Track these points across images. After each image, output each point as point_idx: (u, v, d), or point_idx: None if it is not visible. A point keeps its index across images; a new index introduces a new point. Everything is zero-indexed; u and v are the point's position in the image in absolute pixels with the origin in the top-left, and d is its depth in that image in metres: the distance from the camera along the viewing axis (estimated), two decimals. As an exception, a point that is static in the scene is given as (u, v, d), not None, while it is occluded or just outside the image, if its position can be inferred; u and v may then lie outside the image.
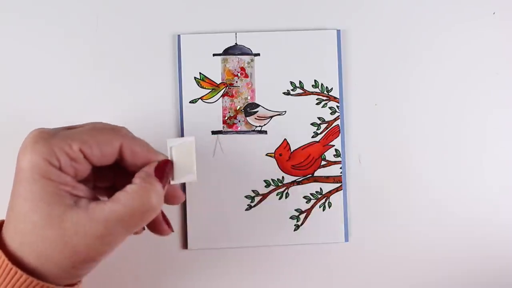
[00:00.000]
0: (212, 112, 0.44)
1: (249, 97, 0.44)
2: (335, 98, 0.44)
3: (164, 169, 0.34)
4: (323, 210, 0.44)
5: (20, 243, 0.31)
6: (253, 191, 0.44)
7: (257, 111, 0.44)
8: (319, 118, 0.44)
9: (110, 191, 0.35)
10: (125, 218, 0.32)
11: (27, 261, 0.31)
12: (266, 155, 0.44)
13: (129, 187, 0.32)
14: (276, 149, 0.44)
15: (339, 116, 0.44)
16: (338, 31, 0.44)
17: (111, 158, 0.33)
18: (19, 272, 0.30)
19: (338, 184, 0.44)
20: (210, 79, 0.44)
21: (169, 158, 0.34)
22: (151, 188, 0.32)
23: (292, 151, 0.44)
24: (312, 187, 0.44)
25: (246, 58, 0.44)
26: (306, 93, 0.44)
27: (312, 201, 0.44)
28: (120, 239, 0.33)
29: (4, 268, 0.30)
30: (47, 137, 0.31)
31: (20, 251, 0.31)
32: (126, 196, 0.32)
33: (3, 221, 0.33)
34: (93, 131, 0.33)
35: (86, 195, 0.32)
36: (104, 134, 0.33)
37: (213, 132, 0.44)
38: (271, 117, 0.44)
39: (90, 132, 0.33)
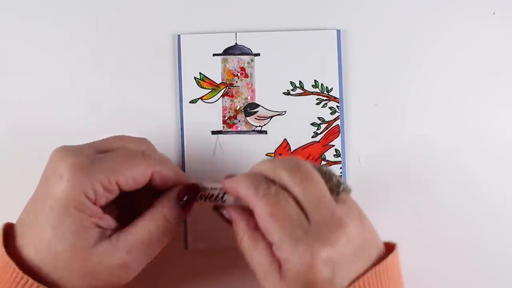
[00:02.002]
0: (212, 112, 0.44)
1: (249, 97, 0.44)
2: (335, 98, 0.44)
3: (187, 191, 0.35)
4: (323, 210, 0.44)
5: (41, 265, 0.31)
6: (253, 191, 0.44)
7: (257, 111, 0.44)
8: (319, 118, 0.44)
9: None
10: (145, 243, 0.33)
11: (44, 276, 0.31)
12: (266, 155, 0.44)
13: (146, 212, 0.34)
14: (276, 149, 0.44)
15: (339, 116, 0.44)
16: (338, 31, 0.44)
17: (141, 185, 0.34)
18: (30, 281, 0.31)
19: (338, 184, 0.44)
20: (210, 79, 0.44)
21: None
22: (164, 211, 0.34)
23: (292, 151, 0.44)
24: (312, 187, 0.44)
25: (246, 58, 0.44)
26: (306, 93, 0.44)
27: (312, 201, 0.44)
28: (142, 264, 0.34)
29: (18, 280, 0.31)
30: (86, 168, 0.31)
31: (38, 268, 0.31)
32: (143, 222, 0.34)
33: (10, 226, 0.33)
34: (127, 161, 0.33)
35: (109, 225, 0.33)
36: (138, 164, 0.33)
37: (213, 132, 0.44)
38: (271, 117, 0.44)
39: (125, 163, 0.33)
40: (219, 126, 0.44)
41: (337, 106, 0.44)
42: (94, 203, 0.32)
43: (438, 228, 0.44)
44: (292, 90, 0.44)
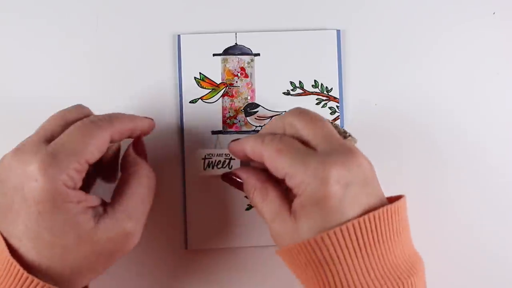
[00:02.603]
0: (212, 112, 0.44)
1: (249, 97, 0.44)
2: (335, 98, 0.44)
3: (135, 146, 0.37)
4: (323, 210, 0.44)
5: (48, 267, 0.31)
6: (253, 191, 0.44)
7: (257, 111, 0.44)
8: (319, 118, 0.44)
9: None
10: (140, 204, 0.34)
11: (52, 275, 0.32)
12: (266, 155, 0.44)
13: (129, 178, 0.35)
14: (276, 149, 0.44)
15: (339, 116, 0.44)
16: (338, 31, 0.44)
17: (104, 151, 0.34)
18: (35, 280, 0.30)
19: (338, 184, 0.44)
20: (210, 79, 0.44)
21: None
22: (142, 172, 0.36)
23: (292, 151, 0.44)
24: (312, 187, 0.44)
25: (246, 58, 0.44)
26: (306, 93, 0.44)
27: (312, 201, 0.44)
28: (142, 224, 0.35)
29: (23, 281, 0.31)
30: (54, 161, 0.31)
31: (47, 270, 0.31)
32: (131, 188, 0.35)
33: None
34: (85, 136, 0.32)
35: (98, 202, 0.33)
36: (96, 134, 0.33)
37: (213, 132, 0.44)
38: (271, 117, 0.44)
39: (84, 139, 0.32)
40: (219, 126, 0.44)
41: (337, 106, 0.44)
42: (74, 188, 0.32)
43: (437, 227, 0.44)
44: (292, 90, 0.44)
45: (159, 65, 0.44)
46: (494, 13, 0.45)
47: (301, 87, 0.44)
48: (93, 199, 0.33)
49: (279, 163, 0.33)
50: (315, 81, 0.44)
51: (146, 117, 0.38)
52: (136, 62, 0.44)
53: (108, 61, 0.44)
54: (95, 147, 0.33)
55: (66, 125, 0.34)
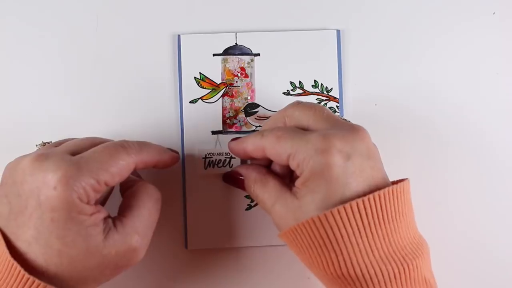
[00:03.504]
0: (212, 112, 0.44)
1: (249, 97, 0.44)
2: (335, 98, 0.44)
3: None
4: (323, 210, 0.44)
5: (55, 274, 0.31)
6: (253, 191, 0.44)
7: (257, 111, 0.44)
8: (319, 118, 0.44)
9: None
10: (147, 220, 0.35)
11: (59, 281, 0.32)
12: (266, 155, 0.44)
13: (138, 193, 0.36)
14: (276, 149, 0.44)
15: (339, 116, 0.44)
16: (338, 31, 0.44)
17: (126, 177, 0.35)
18: (37, 281, 0.30)
19: (338, 184, 0.44)
20: (210, 79, 0.44)
21: None
22: (146, 183, 0.37)
23: (292, 151, 0.44)
24: (312, 187, 0.44)
25: (246, 58, 0.44)
26: (306, 93, 0.44)
27: (312, 201, 0.44)
28: (148, 240, 0.35)
29: (24, 282, 0.30)
30: (75, 174, 0.31)
31: (53, 278, 0.31)
32: (140, 202, 0.35)
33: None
34: (111, 158, 0.33)
35: (106, 214, 0.34)
36: (122, 159, 0.33)
37: (213, 132, 0.44)
38: (271, 117, 0.44)
39: (109, 161, 0.33)
40: (219, 126, 0.44)
41: (337, 106, 0.44)
42: (87, 203, 0.32)
43: (437, 228, 0.44)
44: (292, 90, 0.44)
45: (159, 65, 0.44)
46: (494, 13, 0.45)
47: (301, 87, 0.44)
48: (102, 212, 0.33)
49: (281, 147, 0.33)
50: (315, 81, 0.44)
51: (173, 151, 0.39)
52: (136, 62, 0.44)
53: (108, 61, 0.44)
54: (118, 171, 0.33)
55: (95, 146, 0.34)
